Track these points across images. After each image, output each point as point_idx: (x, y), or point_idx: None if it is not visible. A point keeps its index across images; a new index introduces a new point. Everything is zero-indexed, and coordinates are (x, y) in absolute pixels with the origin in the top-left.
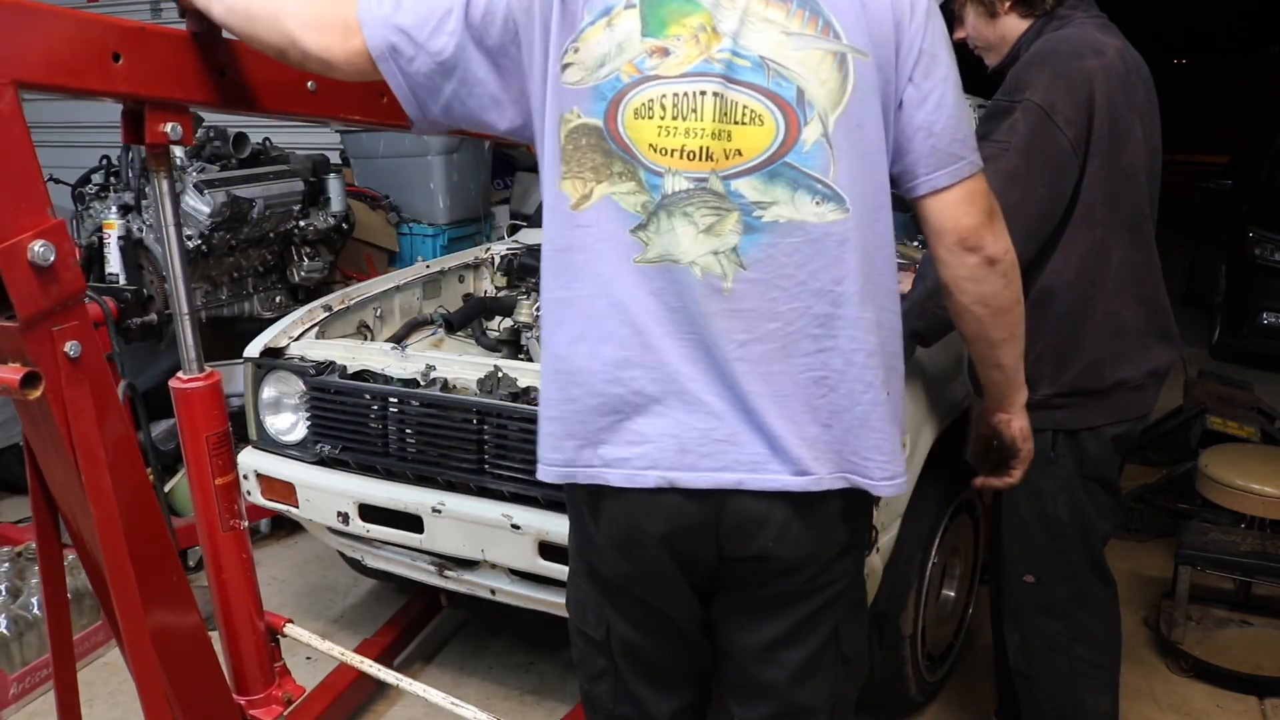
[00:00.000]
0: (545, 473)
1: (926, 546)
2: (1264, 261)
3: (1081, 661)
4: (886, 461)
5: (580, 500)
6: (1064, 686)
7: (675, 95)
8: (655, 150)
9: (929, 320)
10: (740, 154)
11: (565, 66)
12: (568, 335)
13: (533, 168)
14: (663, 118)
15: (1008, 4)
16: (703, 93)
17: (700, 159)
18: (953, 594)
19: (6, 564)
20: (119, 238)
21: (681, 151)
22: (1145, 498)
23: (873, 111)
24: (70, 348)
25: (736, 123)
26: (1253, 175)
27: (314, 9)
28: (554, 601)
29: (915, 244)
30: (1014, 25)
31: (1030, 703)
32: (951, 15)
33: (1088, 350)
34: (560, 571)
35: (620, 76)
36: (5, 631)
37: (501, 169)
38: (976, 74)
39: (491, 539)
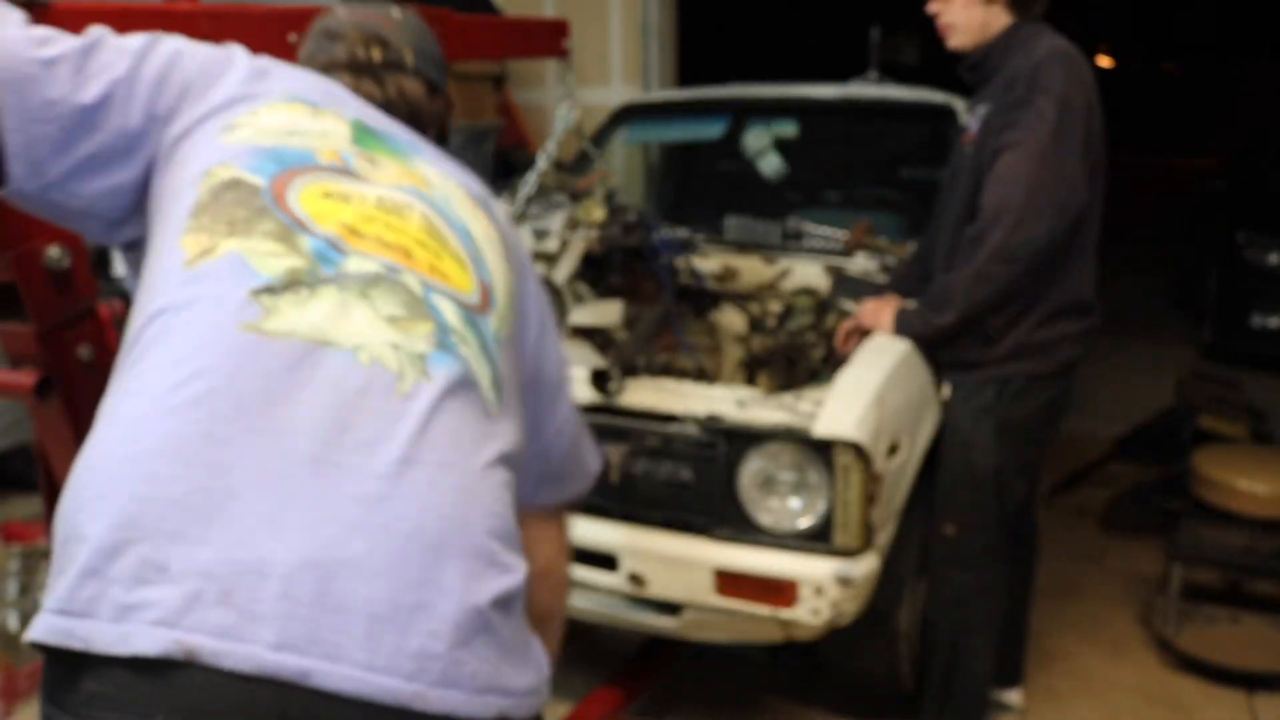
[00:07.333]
0: None
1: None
2: (1254, 263)
3: (979, 616)
4: None
5: None
6: (959, 641)
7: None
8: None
9: (970, 302)
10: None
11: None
12: None
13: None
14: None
15: None
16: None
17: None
18: None
19: (17, 561)
20: None
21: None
22: (1138, 496)
23: None
24: (84, 351)
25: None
26: (1245, 177)
27: None
28: None
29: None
30: (998, 18)
31: (930, 651)
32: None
33: (1027, 322)
34: None
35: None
36: (16, 627)
37: (501, 169)
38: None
39: None
